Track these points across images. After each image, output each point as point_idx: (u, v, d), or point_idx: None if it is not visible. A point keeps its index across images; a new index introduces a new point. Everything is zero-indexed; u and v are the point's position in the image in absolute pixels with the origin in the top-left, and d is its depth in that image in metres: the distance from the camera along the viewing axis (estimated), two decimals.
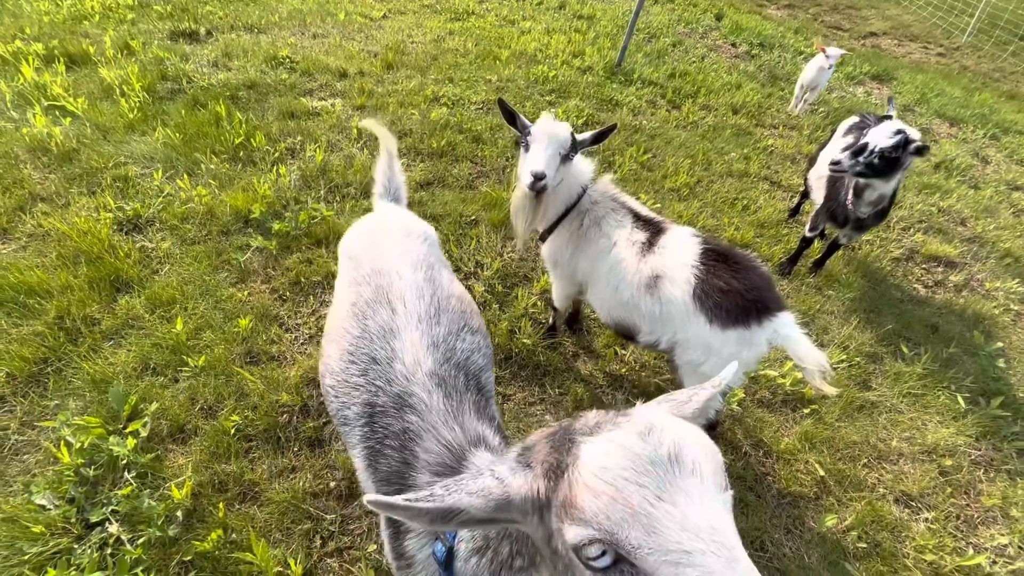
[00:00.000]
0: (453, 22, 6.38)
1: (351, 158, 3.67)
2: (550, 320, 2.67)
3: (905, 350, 2.95)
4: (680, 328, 1.85)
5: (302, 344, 2.52)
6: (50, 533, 1.68)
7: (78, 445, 1.88)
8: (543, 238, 2.27)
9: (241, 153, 3.58)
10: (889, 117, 2.92)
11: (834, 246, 3.31)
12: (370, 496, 0.72)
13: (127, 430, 1.99)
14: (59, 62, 4.15)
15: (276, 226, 3.00)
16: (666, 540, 0.61)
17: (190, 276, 2.71)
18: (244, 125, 3.76)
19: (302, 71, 4.83)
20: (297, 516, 1.88)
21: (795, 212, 3.89)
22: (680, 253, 1.85)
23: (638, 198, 2.65)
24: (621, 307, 2.00)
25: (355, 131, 3.95)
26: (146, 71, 4.24)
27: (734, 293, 1.73)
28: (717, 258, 1.82)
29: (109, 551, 1.69)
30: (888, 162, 2.54)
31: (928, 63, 8.46)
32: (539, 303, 2.85)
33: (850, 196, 2.87)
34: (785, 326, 1.73)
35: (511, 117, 2.04)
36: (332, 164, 3.57)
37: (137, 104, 3.85)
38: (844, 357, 2.81)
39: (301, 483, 1.96)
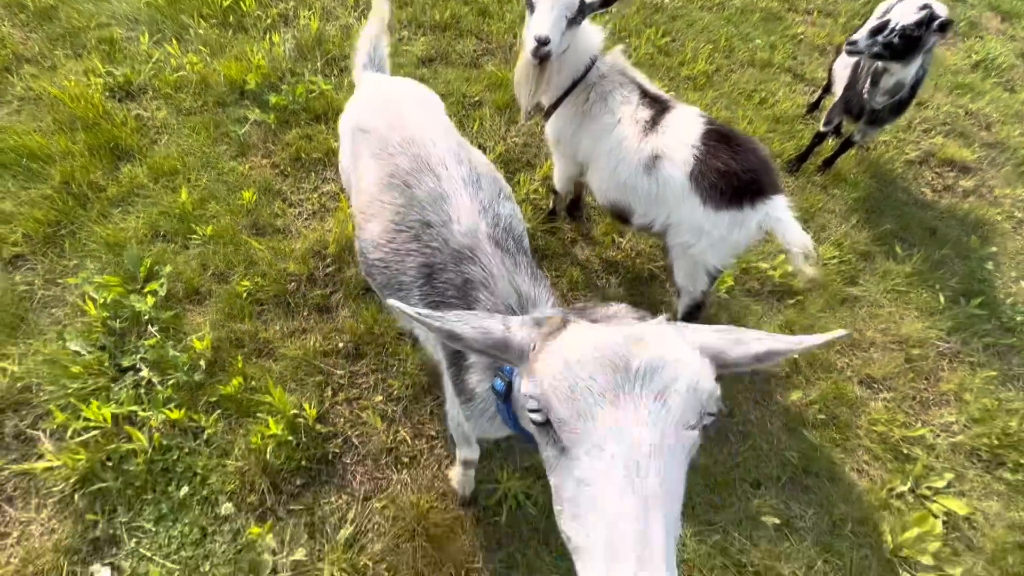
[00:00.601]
0: None
1: (348, 28, 3.43)
2: (551, 205, 2.68)
3: (899, 250, 2.99)
4: (674, 210, 1.88)
5: (305, 219, 2.57)
6: (87, 373, 1.87)
7: (101, 300, 2.01)
8: (547, 115, 2.21)
9: (231, 18, 3.34)
10: None
11: (847, 144, 3.21)
12: (393, 301, 0.83)
13: (145, 290, 2.11)
14: None
15: (273, 99, 2.90)
16: (591, 430, 0.65)
17: (190, 148, 2.68)
18: None
19: None
20: (309, 370, 2.06)
21: (814, 107, 3.71)
22: (683, 133, 1.82)
23: None
24: (618, 188, 2.00)
25: None
26: None
27: (730, 174, 1.73)
28: (719, 139, 1.79)
29: (143, 391, 1.88)
30: (908, 42, 2.37)
31: None
32: (540, 189, 2.84)
33: (867, 84, 2.72)
34: (777, 209, 1.75)
35: None
36: (328, 34, 3.35)
37: None
38: (836, 254, 2.86)
39: (312, 343, 2.12)
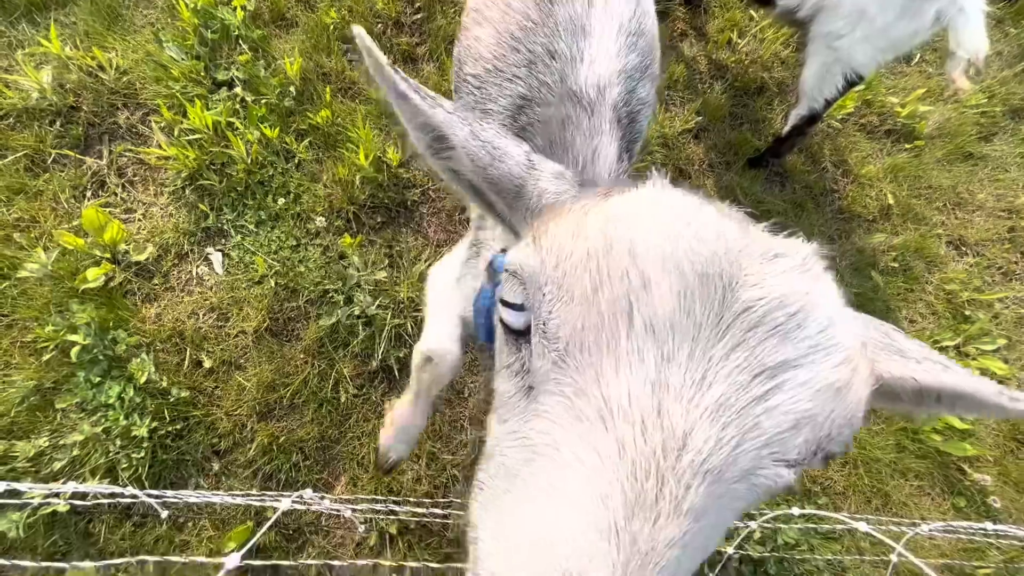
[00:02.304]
0: None
1: None
2: None
3: None
4: None
5: None
6: (187, 79, 1.90)
7: (192, 5, 1.95)
8: None
9: None
10: None
11: None
12: (359, 30, 0.59)
13: (233, 3, 2.02)
14: None
15: None
16: (598, 380, 0.40)
17: None
18: None
19: None
20: (389, 114, 2.05)
21: None
22: None
23: None
24: None
25: None
26: None
27: None
28: None
29: (238, 106, 1.93)
30: None
31: None
32: None
33: None
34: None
35: None
36: None
37: None
38: (983, 102, 2.47)
39: None
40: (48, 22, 1.93)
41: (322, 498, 1.28)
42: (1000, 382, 1.74)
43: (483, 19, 1.11)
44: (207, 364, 1.66)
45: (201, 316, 1.72)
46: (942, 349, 2.09)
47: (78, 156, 1.83)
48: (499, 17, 1.08)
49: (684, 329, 0.40)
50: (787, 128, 2.00)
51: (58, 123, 1.85)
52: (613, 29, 1.03)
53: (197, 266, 1.78)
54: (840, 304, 0.47)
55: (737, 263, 0.43)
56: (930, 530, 1.26)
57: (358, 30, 0.58)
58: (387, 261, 1.85)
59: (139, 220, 1.81)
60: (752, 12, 2.38)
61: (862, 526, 1.10)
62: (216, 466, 1.58)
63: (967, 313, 2.15)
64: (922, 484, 1.90)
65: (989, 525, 1.31)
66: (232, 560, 0.82)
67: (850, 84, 1.79)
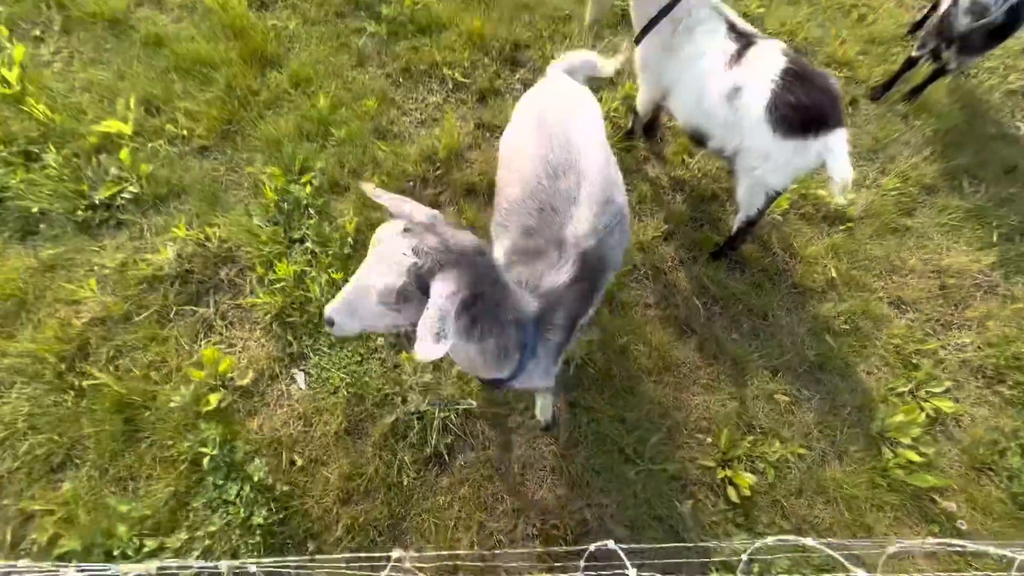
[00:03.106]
0: None
1: None
2: (630, 124, 2.97)
3: (965, 185, 3.09)
4: (747, 136, 2.16)
5: (416, 126, 3.02)
6: (272, 241, 2.52)
7: (272, 186, 2.62)
8: (637, 40, 2.44)
9: None
10: None
11: (940, 72, 3.17)
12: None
13: (302, 180, 2.69)
14: None
15: (384, 9, 3.23)
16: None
17: (318, 57, 3.11)
18: None
19: None
20: None
21: (918, 26, 3.56)
22: (764, 67, 2.05)
23: None
24: (701, 114, 2.29)
25: None
26: None
27: (801, 107, 1.99)
28: (795, 76, 2.02)
29: (310, 257, 2.53)
30: None
31: None
32: (621, 107, 3.11)
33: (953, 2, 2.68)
34: (836, 141, 2.01)
35: None
36: None
37: None
38: (899, 185, 3.02)
39: None
40: (170, 210, 2.60)
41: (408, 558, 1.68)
42: (953, 418, 2.12)
43: (518, 180, 1.70)
44: (299, 463, 2.11)
45: (292, 424, 2.20)
46: (898, 395, 2.48)
47: (192, 308, 2.41)
48: (529, 179, 1.66)
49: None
50: (735, 229, 2.55)
51: (176, 284, 2.45)
52: (591, 201, 1.59)
53: (286, 384, 2.29)
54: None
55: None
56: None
57: (365, 185, 1.36)
58: (431, 367, 2.34)
59: (239, 352, 2.35)
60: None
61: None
62: (311, 546, 1.98)
63: (915, 362, 2.56)
64: (899, 515, 2.22)
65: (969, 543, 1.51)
66: None
67: (774, 196, 2.35)
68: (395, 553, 1.54)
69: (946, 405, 2.41)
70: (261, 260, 2.48)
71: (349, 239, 2.57)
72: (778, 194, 2.33)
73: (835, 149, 2.02)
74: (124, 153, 2.59)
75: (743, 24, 2.20)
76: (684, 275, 2.70)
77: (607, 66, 2.18)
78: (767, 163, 2.16)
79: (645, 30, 2.36)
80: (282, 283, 2.42)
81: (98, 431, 2.09)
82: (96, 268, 2.44)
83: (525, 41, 3.31)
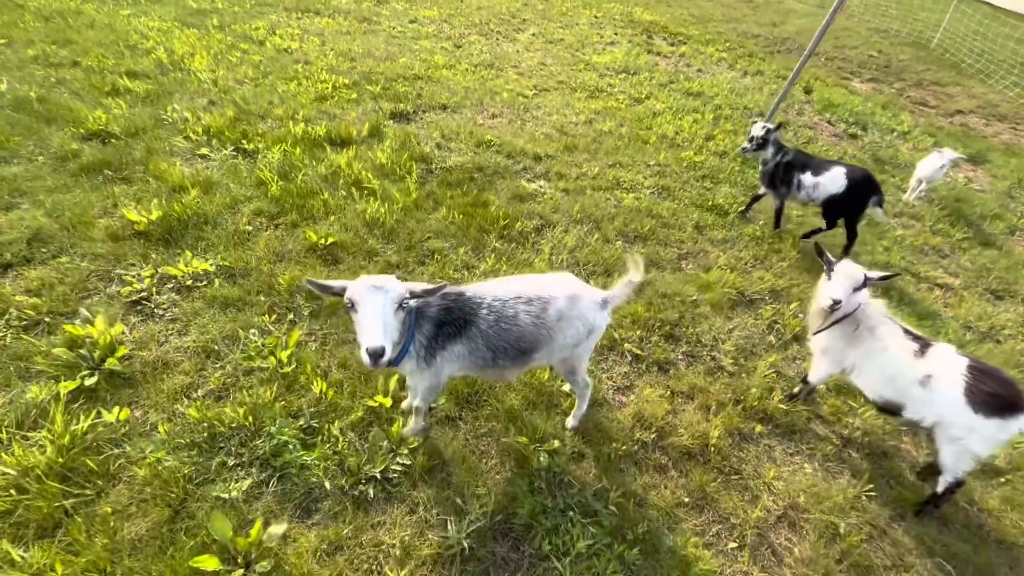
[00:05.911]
0: (591, 100, 7.68)
1: (584, 239, 4.68)
2: (795, 389, 3.56)
3: None
4: (946, 413, 2.72)
5: None
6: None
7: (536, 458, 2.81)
8: (816, 332, 3.19)
9: (505, 232, 4.61)
10: None
11: None
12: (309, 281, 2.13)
13: (544, 447, 2.91)
14: (338, 145, 5.36)
15: None
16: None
17: None
18: (502, 208, 4.81)
19: (507, 154, 5.94)
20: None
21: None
22: (952, 362, 2.75)
23: None
24: (893, 391, 2.88)
25: (575, 213, 4.98)
26: (401, 152, 5.42)
27: (998, 396, 2.62)
28: (979, 371, 2.71)
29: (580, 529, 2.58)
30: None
31: (1019, 145, 8.87)
32: (771, 374, 3.74)
33: None
34: None
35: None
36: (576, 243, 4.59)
37: (414, 184, 4.96)
38: None
39: None
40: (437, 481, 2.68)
41: None
42: None
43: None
44: None
45: None
46: None
47: None
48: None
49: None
50: (941, 490, 2.92)
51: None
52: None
53: None
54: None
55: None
56: None
57: (308, 280, 2.15)
58: None
59: None
60: (852, 401, 3.61)
61: None
62: None
63: None
64: None
65: None
66: None
67: (977, 461, 2.81)
68: None
69: None
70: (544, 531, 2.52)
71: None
72: (982, 458, 2.80)
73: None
74: (396, 427, 2.78)
75: (912, 329, 3.00)
76: (902, 533, 2.91)
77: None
78: (972, 434, 2.68)
79: (823, 327, 3.12)
80: None
81: None
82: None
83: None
